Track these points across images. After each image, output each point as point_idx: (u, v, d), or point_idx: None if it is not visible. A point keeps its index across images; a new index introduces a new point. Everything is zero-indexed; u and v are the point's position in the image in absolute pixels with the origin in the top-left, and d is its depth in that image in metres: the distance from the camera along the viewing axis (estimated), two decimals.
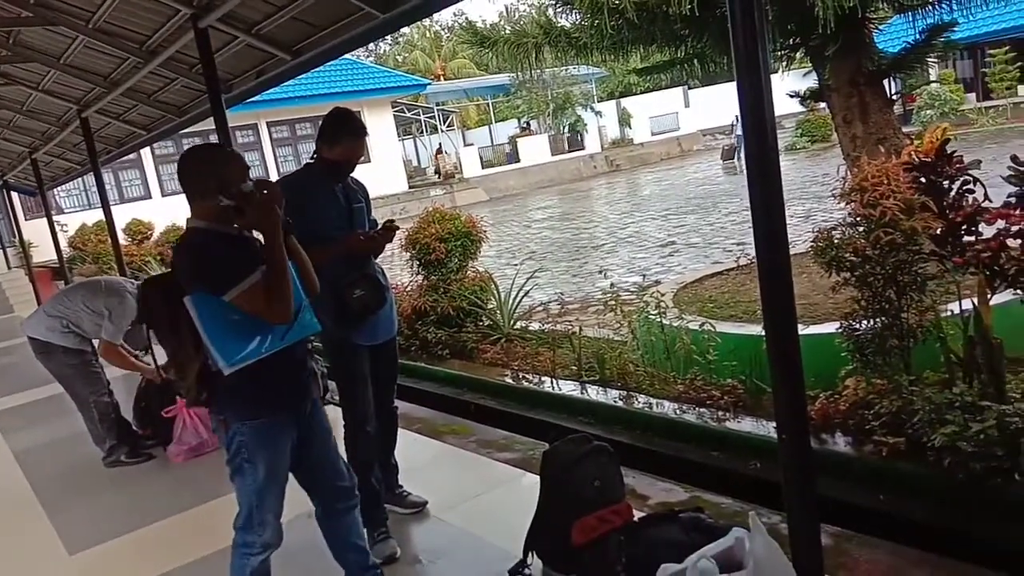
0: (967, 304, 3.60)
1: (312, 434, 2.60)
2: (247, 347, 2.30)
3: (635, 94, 36.75)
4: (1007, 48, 23.25)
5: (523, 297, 7.34)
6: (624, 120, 34.98)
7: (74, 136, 9.36)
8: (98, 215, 14.68)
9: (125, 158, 16.09)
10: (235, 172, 2.38)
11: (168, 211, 17.84)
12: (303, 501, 3.95)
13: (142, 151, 21.02)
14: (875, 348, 3.88)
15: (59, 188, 18.99)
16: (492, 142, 34.47)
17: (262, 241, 2.35)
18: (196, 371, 2.36)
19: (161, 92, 7.09)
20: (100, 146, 9.27)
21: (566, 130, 33.02)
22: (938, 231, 3.64)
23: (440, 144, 33.23)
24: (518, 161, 31.34)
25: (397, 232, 3.37)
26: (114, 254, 9.22)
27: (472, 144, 33.54)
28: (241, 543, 2.52)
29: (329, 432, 2.69)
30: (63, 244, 14.72)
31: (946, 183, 3.59)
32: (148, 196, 23.80)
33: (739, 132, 23.76)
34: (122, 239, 11.96)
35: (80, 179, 17.84)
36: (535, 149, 31.83)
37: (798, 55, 6.52)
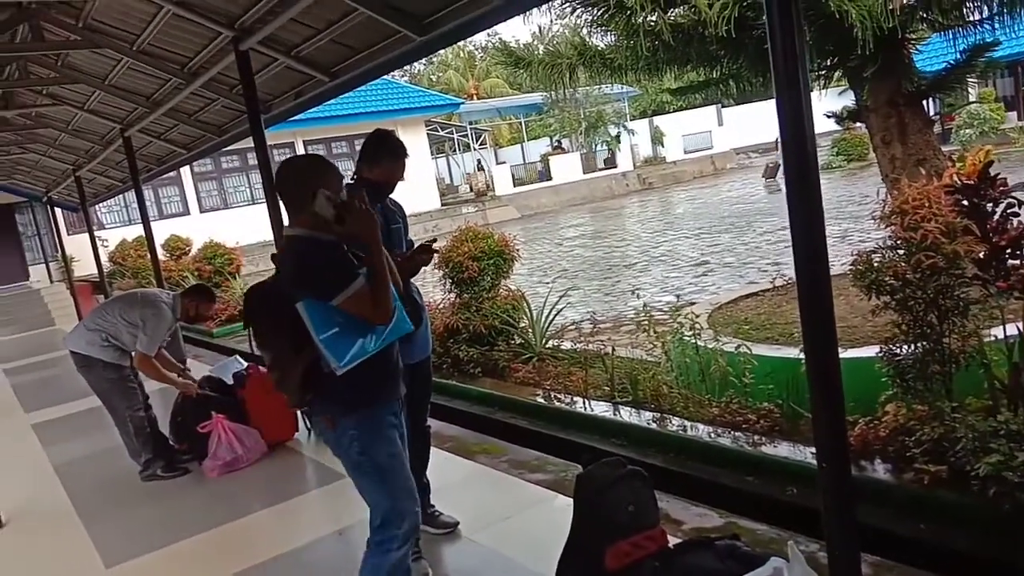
0: (1012, 329, 3.51)
1: (403, 433, 2.71)
2: (356, 348, 2.40)
3: (668, 112, 36.70)
4: None
5: (555, 316, 7.32)
6: (657, 138, 34.94)
7: (116, 154, 9.59)
8: (138, 231, 15.00)
9: (165, 176, 16.44)
10: (334, 182, 2.48)
11: (205, 227, 18.18)
12: (332, 520, 4.00)
13: (181, 169, 21.46)
14: (916, 373, 3.81)
15: (101, 204, 19.42)
16: (524, 160, 34.59)
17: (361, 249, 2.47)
18: (299, 374, 2.45)
19: (202, 112, 7.25)
20: (141, 164, 9.49)
21: (598, 148, 33.04)
22: (981, 255, 3.57)
23: (480, 160, 33.57)
24: (550, 179, 31.42)
25: (435, 254, 3.39)
26: (153, 269, 9.41)
27: (504, 162, 33.70)
28: (380, 540, 2.57)
29: (406, 439, 2.77)
30: (103, 259, 15.05)
31: (989, 206, 3.53)
32: (186, 212, 24.23)
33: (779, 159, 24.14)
34: (160, 254, 12.20)
35: (121, 195, 18.24)
36: (567, 167, 31.89)
37: (835, 75, 6.46)
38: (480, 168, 32.21)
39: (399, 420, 2.68)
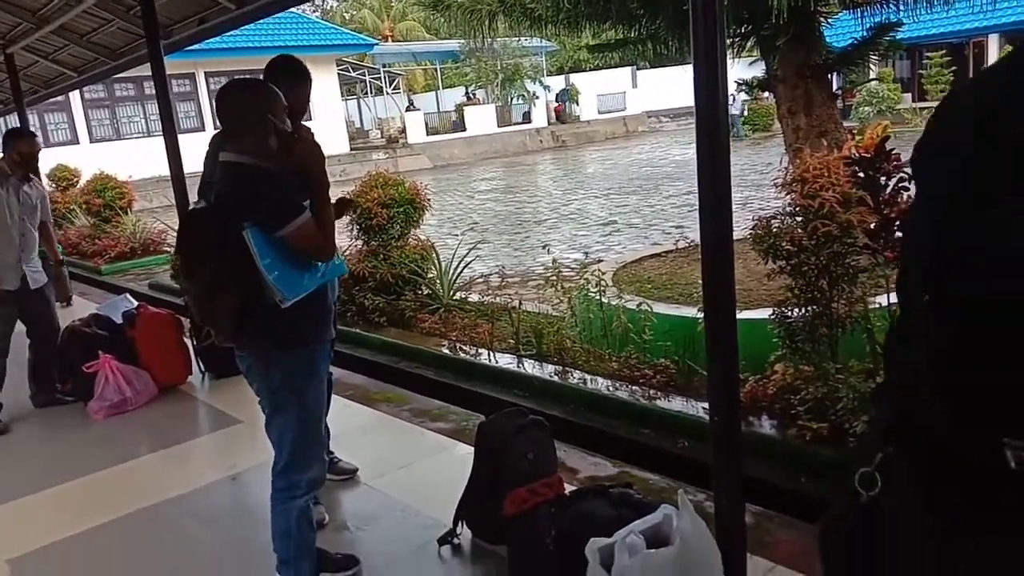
0: (895, 298, 3.72)
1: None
2: (302, 281, 2.36)
3: (584, 71, 36.73)
4: (943, 52, 24.07)
5: (464, 268, 7.30)
6: (572, 96, 34.96)
7: None
8: None
9: (52, 100, 15.34)
10: (279, 110, 2.38)
11: (96, 158, 17.11)
12: (226, 466, 3.91)
13: (70, 94, 20.07)
14: (805, 336, 4.00)
15: None
16: (438, 108, 34.02)
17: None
18: (236, 307, 2.33)
19: (95, 33, 6.75)
20: (26, 86, 8.82)
21: (514, 102, 32.83)
22: (872, 225, 3.75)
23: (410, 100, 33.14)
24: (464, 130, 31.04)
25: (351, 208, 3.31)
26: None
27: (418, 109, 33.08)
28: (284, 486, 2.51)
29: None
30: None
31: (883, 179, 3.70)
32: (76, 141, 22.73)
33: (733, 111, 23.63)
34: (46, 185, 11.44)
35: (2, 119, 16.94)
36: (482, 119, 31.55)
37: (749, 44, 6.60)
38: (410, 108, 31.65)
39: (328, 362, 2.65)
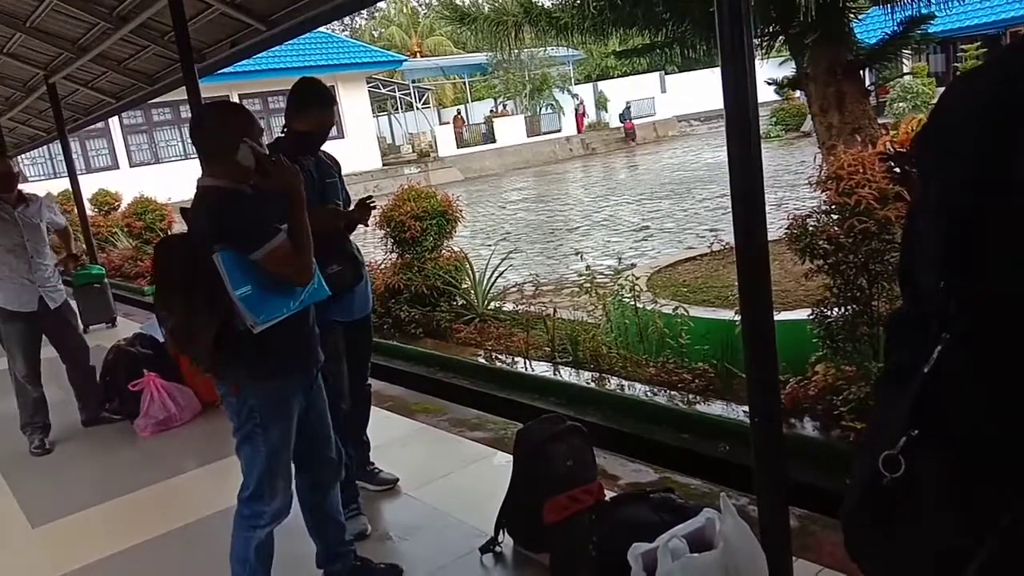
0: None
1: (315, 402, 2.61)
2: (274, 306, 2.32)
3: (612, 78, 36.67)
4: (978, 44, 23.52)
5: (497, 278, 7.33)
6: (601, 104, 34.92)
7: (40, 103, 9.13)
8: (64, 184, 14.35)
9: (92, 127, 15.75)
10: (255, 133, 2.38)
11: (135, 182, 17.52)
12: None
13: (110, 120, 20.58)
14: (845, 335, 3.94)
15: (23, 156, 18.52)
16: (468, 121, 34.23)
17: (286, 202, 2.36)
18: (211, 335, 2.29)
19: (132, 60, 6.93)
20: (67, 113, 9.06)
21: (543, 111, 32.89)
22: None
23: (460, 110, 33.37)
24: (494, 141, 31.18)
25: (373, 210, 3.34)
26: (80, 224, 9.04)
27: (447, 123, 33.29)
28: (249, 514, 2.49)
29: (326, 404, 2.69)
30: None
31: None
32: (116, 166, 23.32)
33: (624, 118, 27.86)
34: (88, 210, 11.73)
35: (46, 147, 17.43)
36: (511, 130, 31.69)
37: (778, 43, 6.54)
38: (460, 117, 32.27)
39: (310, 394, 2.57)
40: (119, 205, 15.49)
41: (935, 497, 0.88)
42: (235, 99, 24.79)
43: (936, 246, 0.90)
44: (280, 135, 3.23)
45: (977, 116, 0.87)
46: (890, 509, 0.92)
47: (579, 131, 33.57)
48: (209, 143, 2.39)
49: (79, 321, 5.22)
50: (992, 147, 0.83)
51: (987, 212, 0.82)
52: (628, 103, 33.31)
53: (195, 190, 2.41)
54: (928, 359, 0.87)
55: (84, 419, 5.17)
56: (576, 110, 34.05)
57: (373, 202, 3.33)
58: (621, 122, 32.40)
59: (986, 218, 0.83)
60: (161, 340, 5.36)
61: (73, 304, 5.21)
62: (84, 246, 8.57)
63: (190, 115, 4.16)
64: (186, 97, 5.08)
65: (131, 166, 23.40)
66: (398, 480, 3.69)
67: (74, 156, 9.72)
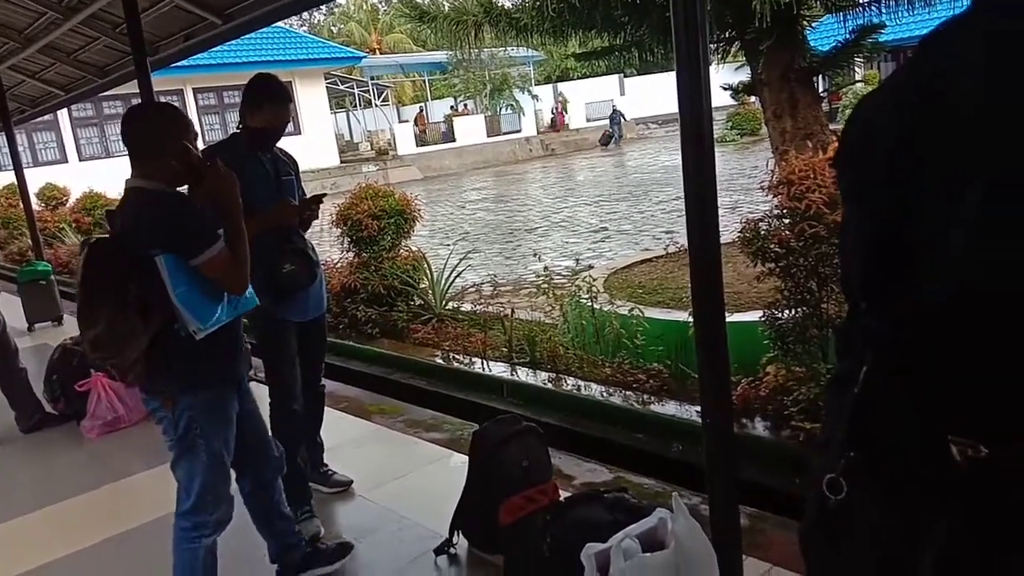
0: None
1: (246, 407, 2.56)
2: (214, 312, 2.26)
3: (572, 79, 36.85)
4: None
5: (456, 278, 7.31)
6: (563, 106, 35.06)
7: None
8: (9, 178, 13.96)
9: (40, 119, 15.31)
10: (191, 135, 2.33)
11: (85, 176, 17.10)
12: None
13: (58, 112, 20.02)
14: (796, 337, 4.02)
15: None
16: (428, 120, 34.09)
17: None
18: (143, 343, 2.20)
19: (81, 51, 6.75)
20: (13, 105, 8.81)
21: (503, 111, 32.90)
22: None
23: (422, 108, 33.16)
24: (454, 140, 31.10)
25: (323, 205, 3.32)
26: (27, 219, 8.79)
27: (407, 121, 33.11)
28: (191, 526, 2.41)
29: (256, 405, 2.66)
30: None
31: None
32: (64, 160, 22.72)
33: (616, 121, 30.78)
34: (35, 204, 11.40)
35: None
36: (471, 129, 31.64)
37: (733, 48, 6.64)
38: (422, 116, 32.15)
39: (240, 396, 2.52)
40: (67, 200, 15.10)
41: (873, 511, 0.91)
42: (189, 93, 24.44)
43: (857, 265, 0.94)
44: (236, 131, 3.19)
45: (879, 145, 0.90)
46: (838, 528, 0.95)
47: (558, 131, 33.67)
48: (140, 144, 2.30)
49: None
50: (899, 178, 0.86)
51: (902, 235, 0.86)
52: (615, 106, 32.91)
53: (124, 191, 2.33)
54: (857, 380, 0.90)
55: (22, 427, 4.99)
56: (554, 110, 34.18)
57: (322, 196, 3.32)
58: (612, 124, 31.84)
59: (901, 240, 0.86)
60: None
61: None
62: (31, 242, 8.33)
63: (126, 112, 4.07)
64: (138, 91, 4.97)
65: (80, 160, 22.81)
66: (352, 482, 3.66)
67: (20, 149, 9.43)
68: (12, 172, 8.97)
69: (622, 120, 32.17)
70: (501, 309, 6.65)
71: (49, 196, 15.31)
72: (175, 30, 5.51)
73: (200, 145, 2.46)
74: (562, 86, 36.05)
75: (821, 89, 7.16)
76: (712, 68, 2.39)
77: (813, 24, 7.19)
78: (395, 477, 3.76)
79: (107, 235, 2.38)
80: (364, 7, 45.26)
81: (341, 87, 33.08)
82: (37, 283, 7.97)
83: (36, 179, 14.46)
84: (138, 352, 2.21)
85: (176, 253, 2.20)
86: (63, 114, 21.79)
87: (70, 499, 3.93)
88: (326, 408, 3.71)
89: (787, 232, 3.99)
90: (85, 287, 2.27)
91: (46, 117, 16.43)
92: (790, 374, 3.97)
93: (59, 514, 3.81)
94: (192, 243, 2.21)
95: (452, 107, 34.61)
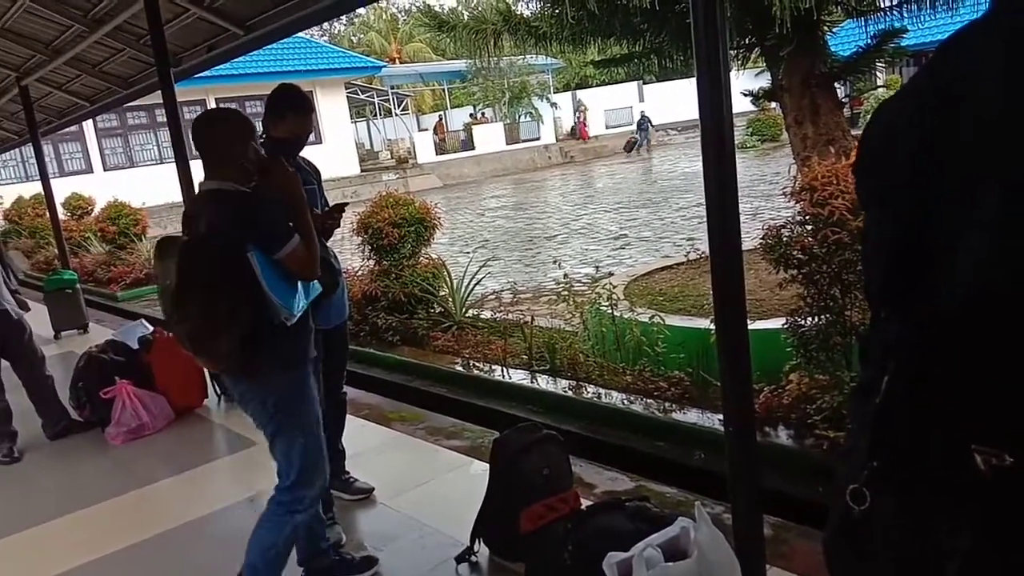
0: None
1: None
2: (298, 300, 2.43)
3: (591, 86, 36.84)
4: None
5: (475, 285, 7.32)
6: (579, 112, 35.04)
7: (12, 105, 9.01)
8: (36, 188, 14.20)
9: (66, 130, 15.56)
10: (255, 137, 2.50)
11: (109, 186, 17.32)
12: (243, 487, 3.92)
13: (84, 123, 20.34)
14: (819, 344, 3.98)
15: None
16: (447, 128, 34.23)
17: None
18: (231, 337, 2.32)
19: (106, 63, 6.86)
20: (40, 116, 8.95)
21: (521, 119, 32.95)
22: None
23: (441, 116, 33.67)
24: (473, 148, 31.19)
25: (345, 213, 3.34)
26: (52, 228, 8.93)
27: (426, 129, 33.25)
28: (289, 500, 2.54)
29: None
30: None
31: None
32: (89, 170, 23.01)
33: (643, 127, 30.51)
34: (61, 214, 11.57)
35: (17, 150, 17.17)
36: (490, 137, 31.70)
37: (753, 54, 6.62)
38: (441, 124, 32.29)
39: (317, 380, 2.69)
40: (92, 209, 15.31)
41: (897, 521, 0.91)
42: (211, 103, 24.64)
43: (877, 271, 0.93)
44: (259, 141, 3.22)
45: (901, 149, 0.90)
46: (862, 537, 0.95)
47: (583, 140, 33.79)
48: (213, 147, 2.45)
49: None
50: (920, 181, 0.86)
51: (922, 239, 0.85)
52: (643, 113, 32.69)
53: (201, 193, 2.49)
54: (879, 389, 0.90)
55: (48, 434, 5.05)
56: (576, 120, 34.20)
57: (344, 204, 3.35)
58: (640, 131, 31.66)
59: (921, 245, 0.85)
60: (134, 347, 5.30)
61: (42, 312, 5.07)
62: (57, 251, 8.46)
63: (166, 119, 4.09)
64: (161, 101, 5.04)
65: (105, 170, 23.09)
66: (373, 489, 3.67)
67: (47, 159, 9.59)
68: (39, 182, 9.12)
69: (650, 126, 32.05)
70: (521, 316, 6.65)
71: (75, 206, 15.53)
72: (198, 41, 5.59)
73: None
74: (581, 93, 36.03)
75: (842, 94, 7.11)
76: (732, 74, 2.38)
77: (834, 29, 7.14)
78: (416, 484, 3.77)
79: (188, 237, 2.49)
80: (384, 17, 45.59)
81: (361, 96, 33.33)
82: (63, 292, 8.09)
83: (62, 189, 14.69)
84: (230, 344, 2.33)
85: (265, 248, 2.34)
86: (88, 125, 22.11)
87: (95, 505, 3.98)
88: (347, 415, 3.73)
89: (810, 238, 3.95)
90: (178, 285, 2.37)
91: (72, 128, 16.70)
92: (813, 382, 3.93)
93: (84, 520, 3.85)
94: (277, 238, 2.37)
95: (471, 115, 34.72)
